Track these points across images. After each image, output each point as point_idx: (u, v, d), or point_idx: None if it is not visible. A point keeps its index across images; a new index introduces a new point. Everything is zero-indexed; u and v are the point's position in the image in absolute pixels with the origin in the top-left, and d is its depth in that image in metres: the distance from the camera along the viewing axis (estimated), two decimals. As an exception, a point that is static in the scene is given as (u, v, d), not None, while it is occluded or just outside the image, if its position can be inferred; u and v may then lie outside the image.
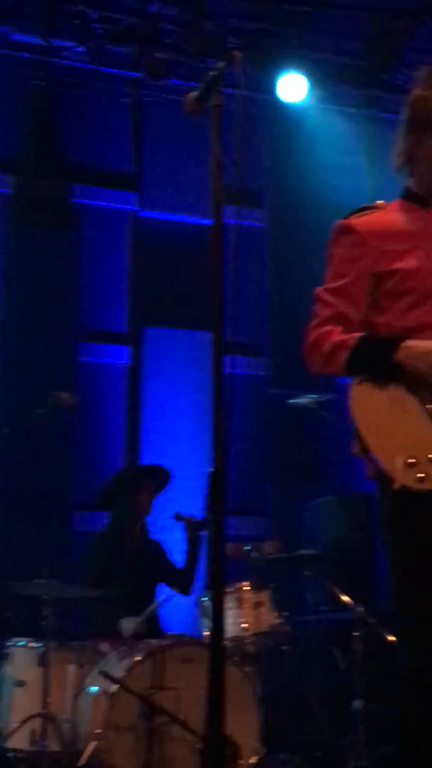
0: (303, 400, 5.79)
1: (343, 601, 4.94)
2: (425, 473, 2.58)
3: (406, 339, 2.74)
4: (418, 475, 2.58)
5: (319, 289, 2.93)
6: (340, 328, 2.83)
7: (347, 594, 4.96)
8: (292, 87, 6.81)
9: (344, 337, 2.81)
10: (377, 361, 2.77)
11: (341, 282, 2.87)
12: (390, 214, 2.94)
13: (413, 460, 2.59)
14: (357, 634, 4.83)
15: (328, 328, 2.84)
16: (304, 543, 5.46)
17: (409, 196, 2.96)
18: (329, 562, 5.54)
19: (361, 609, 4.86)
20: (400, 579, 2.72)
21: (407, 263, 2.82)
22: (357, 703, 4.72)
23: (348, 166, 7.23)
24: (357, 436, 2.72)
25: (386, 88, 6.95)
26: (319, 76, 6.89)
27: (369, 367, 2.78)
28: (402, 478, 2.58)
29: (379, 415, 2.70)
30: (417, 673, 2.64)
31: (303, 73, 6.77)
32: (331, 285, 2.89)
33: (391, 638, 4.71)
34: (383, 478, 2.68)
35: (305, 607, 5.40)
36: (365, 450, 2.69)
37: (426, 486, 2.59)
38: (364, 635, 4.83)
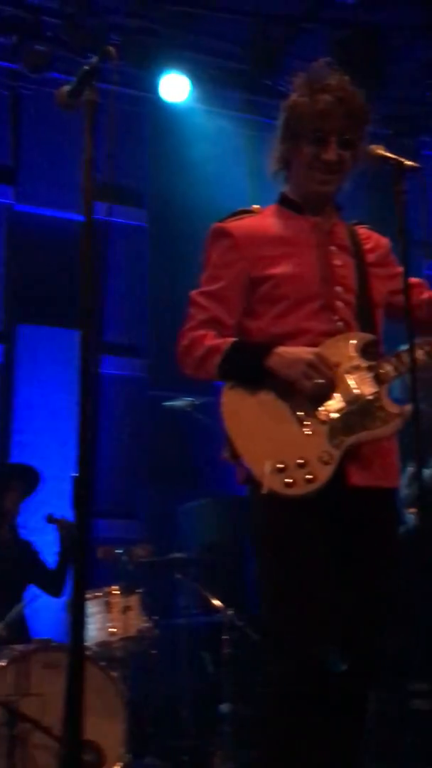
0: (179, 402, 5.77)
1: (213, 605, 4.95)
2: (293, 478, 2.60)
3: (279, 345, 2.75)
4: (287, 480, 2.60)
5: (194, 293, 2.92)
6: (213, 333, 2.83)
7: (218, 597, 4.97)
8: (174, 87, 6.78)
9: (217, 341, 2.81)
10: (248, 366, 2.77)
11: (216, 286, 2.87)
12: (266, 219, 2.94)
13: (282, 465, 2.61)
14: (226, 637, 4.85)
15: (202, 332, 2.84)
16: (176, 546, 5.42)
17: (284, 202, 2.97)
18: (201, 566, 5.53)
19: (231, 612, 4.87)
20: (268, 583, 2.73)
21: (282, 269, 2.83)
22: (224, 707, 4.72)
23: (229, 170, 7.24)
24: (227, 441, 2.73)
25: (267, 94, 6.98)
26: (201, 77, 6.88)
27: (240, 373, 2.78)
28: (270, 482, 2.59)
29: (250, 420, 2.71)
30: (283, 677, 2.64)
31: (185, 74, 6.75)
32: (206, 288, 2.89)
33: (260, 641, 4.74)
34: (253, 482, 2.68)
35: (175, 610, 5.37)
36: (235, 455, 2.69)
37: (294, 491, 2.60)
38: (233, 639, 4.85)
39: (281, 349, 2.74)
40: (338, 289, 2.85)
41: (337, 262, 2.89)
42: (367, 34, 6.75)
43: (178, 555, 5.19)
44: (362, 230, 3.04)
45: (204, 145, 7.19)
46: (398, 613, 4.59)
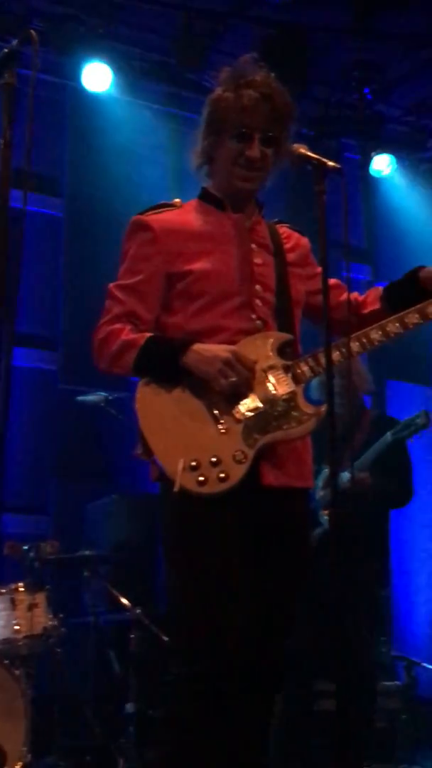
0: (92, 397, 5.69)
1: (121, 603, 4.90)
2: (206, 477, 2.59)
3: (196, 342, 2.71)
4: (199, 478, 2.58)
5: (111, 285, 2.87)
6: (129, 327, 2.79)
7: (127, 596, 4.92)
8: (97, 76, 6.69)
9: (133, 336, 2.76)
10: (164, 363, 2.73)
11: (134, 279, 2.82)
12: (187, 214, 2.91)
13: (195, 463, 2.59)
14: (133, 636, 4.80)
15: (118, 325, 2.79)
16: (85, 543, 5.35)
17: (206, 197, 2.94)
18: (109, 564, 5.47)
19: (138, 611, 4.83)
20: (177, 583, 2.70)
21: (201, 265, 2.79)
22: (130, 706, 4.68)
23: (150, 163, 7.18)
24: (140, 438, 2.69)
25: (192, 88, 6.96)
26: (124, 68, 6.81)
27: (156, 369, 2.75)
28: (182, 480, 2.56)
29: (164, 417, 2.68)
30: (187, 677, 2.61)
31: (108, 63, 6.67)
32: (124, 282, 2.84)
33: (167, 641, 4.70)
34: (165, 480, 2.65)
35: (82, 608, 5.29)
36: (148, 452, 2.66)
37: (206, 489, 2.58)
38: (140, 638, 4.80)
39: (198, 347, 2.71)
40: (257, 287, 2.83)
41: (258, 260, 2.87)
42: (293, 34, 6.77)
43: (86, 552, 5.12)
44: (283, 229, 3.02)
45: (125, 136, 7.10)
46: (309, 614, 4.64)
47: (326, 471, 4.55)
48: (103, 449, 6.59)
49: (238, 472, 2.62)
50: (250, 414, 2.68)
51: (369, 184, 8.50)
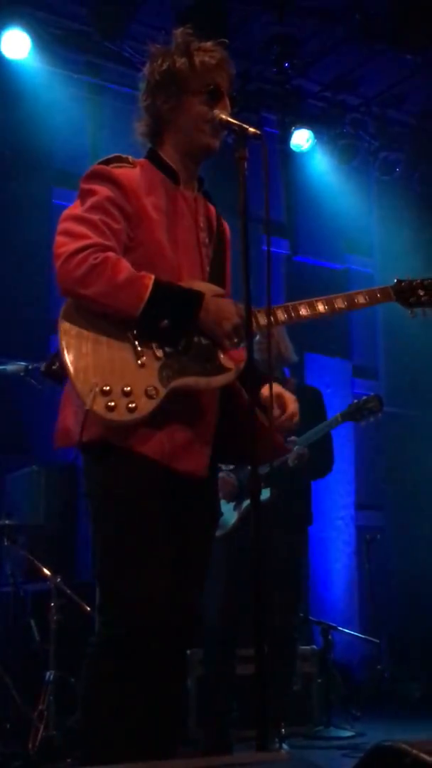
0: (11, 366, 5.64)
1: (41, 572, 4.91)
2: (116, 403, 2.55)
3: (204, 295, 2.68)
4: (109, 403, 2.54)
5: (86, 213, 2.68)
6: (126, 260, 2.64)
7: (47, 565, 4.93)
8: (15, 44, 6.61)
9: (139, 273, 2.63)
10: (179, 310, 2.66)
11: (113, 222, 2.67)
12: (146, 178, 2.80)
13: (108, 388, 2.56)
14: (53, 604, 4.82)
15: (114, 255, 2.62)
16: (4, 513, 5.34)
17: (159, 164, 2.86)
18: (29, 533, 5.48)
19: (58, 579, 4.85)
20: (103, 548, 2.70)
21: (154, 237, 2.74)
22: (49, 674, 4.71)
23: (69, 131, 7.13)
24: (60, 360, 2.60)
25: (111, 58, 6.92)
26: (43, 36, 6.73)
27: (166, 315, 2.63)
28: (93, 403, 2.53)
29: (86, 339, 2.62)
30: (109, 642, 2.64)
31: (26, 31, 6.59)
32: (103, 218, 2.66)
33: (88, 609, 4.74)
34: (98, 448, 2.63)
35: (2, 577, 5.30)
36: (65, 368, 2.58)
37: (113, 416, 2.55)
38: (60, 606, 4.83)
39: (215, 301, 2.68)
40: (204, 267, 2.85)
41: (202, 235, 2.88)
42: (212, 7, 6.77)
43: (6, 522, 5.10)
44: (212, 208, 3.03)
45: (43, 103, 7.03)
46: (230, 581, 4.73)
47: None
48: (23, 419, 6.57)
49: (148, 406, 2.59)
50: (171, 353, 2.68)
51: (288, 159, 8.56)
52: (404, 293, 3.09)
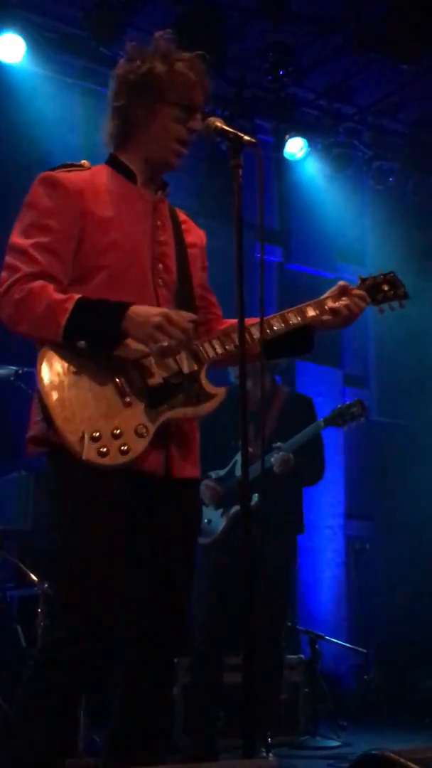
0: (1, 370, 5.63)
1: (28, 578, 4.89)
2: (107, 448, 2.55)
3: (130, 305, 2.63)
4: (102, 449, 2.54)
5: (18, 240, 2.68)
6: (53, 286, 2.63)
7: (34, 570, 4.91)
8: (10, 48, 6.60)
9: (59, 297, 2.61)
10: (102, 327, 2.61)
11: (47, 238, 2.67)
12: (97, 178, 2.81)
13: (98, 434, 2.55)
14: (40, 610, 4.80)
15: (39, 283, 2.61)
16: (-8, 518, 5.32)
17: (117, 166, 2.87)
18: (17, 538, 5.45)
19: (45, 585, 4.83)
20: (61, 554, 2.68)
21: (107, 236, 2.73)
22: (36, 681, 4.68)
23: (63, 135, 7.12)
24: (42, 407, 2.58)
25: (106, 63, 6.90)
26: (38, 40, 6.73)
27: (92, 334, 2.61)
28: (85, 452, 2.53)
29: (67, 386, 2.59)
30: (58, 643, 2.60)
31: (21, 35, 6.58)
32: (36, 239, 2.66)
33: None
34: (58, 453, 2.60)
35: (-11, 583, 5.27)
36: (49, 421, 2.55)
37: (107, 461, 2.55)
38: (47, 611, 4.80)
39: (134, 309, 2.61)
40: (159, 266, 2.82)
41: (162, 237, 2.86)
42: (208, 13, 6.78)
43: (-6, 527, 5.09)
44: (181, 213, 3.01)
45: (38, 108, 7.02)
46: (219, 589, 4.72)
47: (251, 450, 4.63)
48: (13, 424, 6.54)
49: (139, 446, 2.60)
50: (155, 388, 2.67)
51: (282, 167, 8.57)
52: (370, 292, 3.08)
